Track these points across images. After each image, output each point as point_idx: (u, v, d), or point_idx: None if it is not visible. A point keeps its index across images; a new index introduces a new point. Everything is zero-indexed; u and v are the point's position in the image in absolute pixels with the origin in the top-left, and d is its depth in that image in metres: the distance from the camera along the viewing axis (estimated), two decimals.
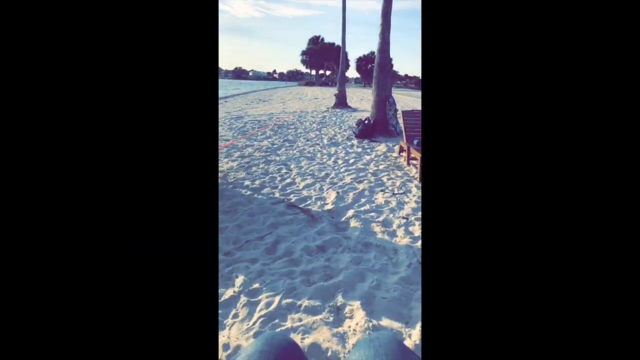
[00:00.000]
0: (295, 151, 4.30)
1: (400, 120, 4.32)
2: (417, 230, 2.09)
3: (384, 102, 5.58)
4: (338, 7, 11.56)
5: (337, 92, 11.69)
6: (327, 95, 18.93)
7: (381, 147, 4.66)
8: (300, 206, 2.43)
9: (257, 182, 2.98)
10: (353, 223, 2.17)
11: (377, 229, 2.09)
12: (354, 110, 10.63)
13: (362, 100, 15.82)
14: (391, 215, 2.31)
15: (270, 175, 3.20)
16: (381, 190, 2.83)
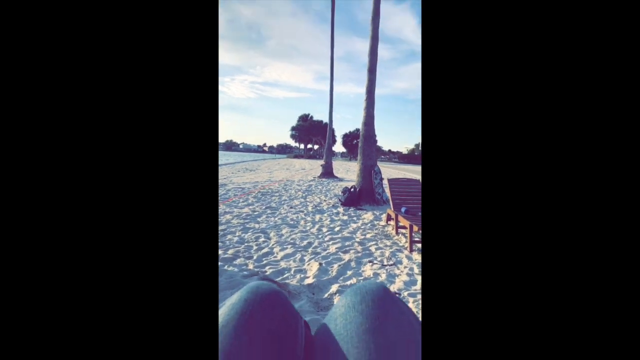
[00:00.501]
0: (277, 218, 4.05)
1: (387, 189, 4.24)
2: (412, 308, 1.77)
3: (369, 171, 5.61)
4: (327, 91, 12.61)
5: (323, 162, 12.00)
6: (314, 166, 19.48)
7: (368, 215, 4.48)
8: (277, 280, 2.10)
9: (230, 251, 2.66)
10: (337, 300, 1.83)
11: None
12: (340, 179, 10.77)
13: (348, 171, 16.27)
14: None
15: (246, 245, 2.88)
16: (369, 261, 2.54)
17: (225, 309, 0.41)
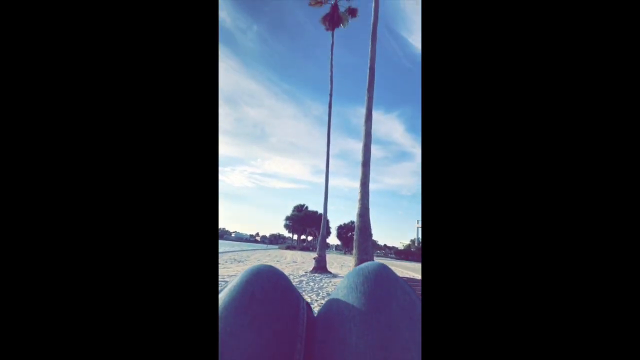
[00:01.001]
0: None
1: None
2: None
3: None
4: (322, 183, 13.02)
5: (316, 255, 11.40)
6: (306, 259, 18.66)
7: None
8: None
9: None
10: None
11: None
12: (334, 276, 10.05)
13: (343, 266, 15.47)
14: None
15: None
16: None
17: (227, 290, 0.42)
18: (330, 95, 12.76)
